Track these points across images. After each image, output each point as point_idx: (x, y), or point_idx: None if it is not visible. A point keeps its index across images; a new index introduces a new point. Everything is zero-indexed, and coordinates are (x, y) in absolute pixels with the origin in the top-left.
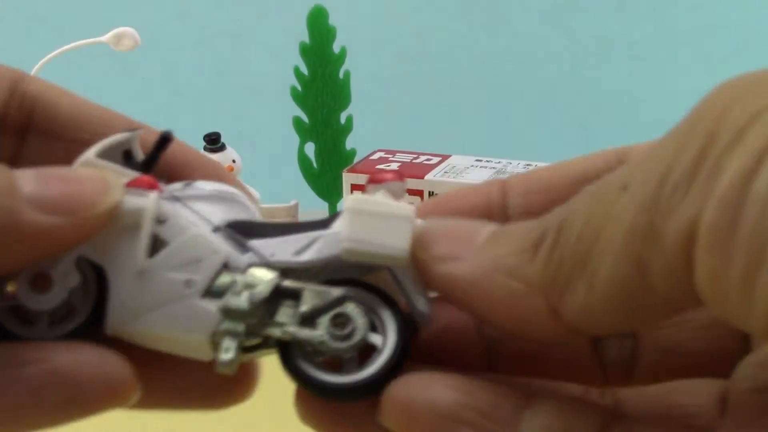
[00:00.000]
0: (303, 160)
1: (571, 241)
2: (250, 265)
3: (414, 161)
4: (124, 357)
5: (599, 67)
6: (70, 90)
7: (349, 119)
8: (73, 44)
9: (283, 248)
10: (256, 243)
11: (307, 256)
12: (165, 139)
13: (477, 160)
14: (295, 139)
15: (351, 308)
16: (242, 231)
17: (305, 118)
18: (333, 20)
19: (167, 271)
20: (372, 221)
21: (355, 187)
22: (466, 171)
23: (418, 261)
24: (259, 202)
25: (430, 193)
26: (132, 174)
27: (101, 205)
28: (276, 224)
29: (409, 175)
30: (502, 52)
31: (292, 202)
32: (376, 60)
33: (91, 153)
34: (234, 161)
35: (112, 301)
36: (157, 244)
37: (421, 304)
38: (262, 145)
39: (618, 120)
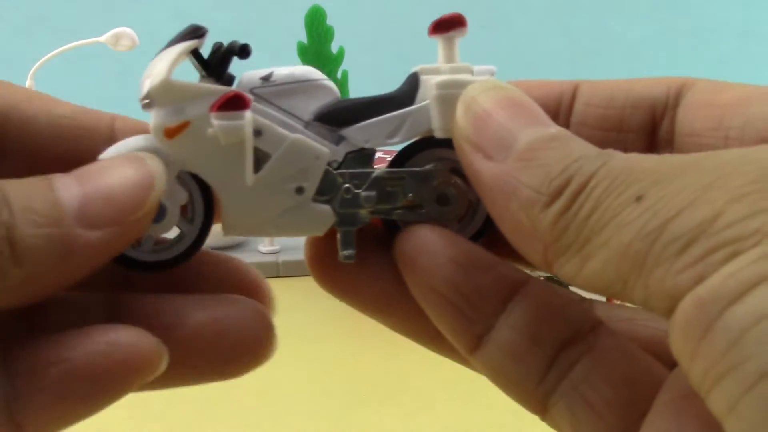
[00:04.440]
0: None
1: (581, 215)
2: (348, 153)
3: None
4: (143, 332)
5: (600, 67)
6: (70, 90)
7: None
8: (71, 44)
9: (375, 132)
10: (347, 131)
11: (398, 138)
12: (244, 50)
13: None
14: None
15: (449, 189)
16: (331, 120)
17: None
18: (331, 20)
19: (277, 183)
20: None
21: None
22: None
23: (457, 133)
24: None
25: None
26: (213, 89)
27: (146, 205)
28: (358, 103)
29: None
30: (502, 52)
31: None
32: (374, 59)
33: (163, 72)
34: None
35: (225, 213)
36: (258, 156)
37: None
38: None
39: None
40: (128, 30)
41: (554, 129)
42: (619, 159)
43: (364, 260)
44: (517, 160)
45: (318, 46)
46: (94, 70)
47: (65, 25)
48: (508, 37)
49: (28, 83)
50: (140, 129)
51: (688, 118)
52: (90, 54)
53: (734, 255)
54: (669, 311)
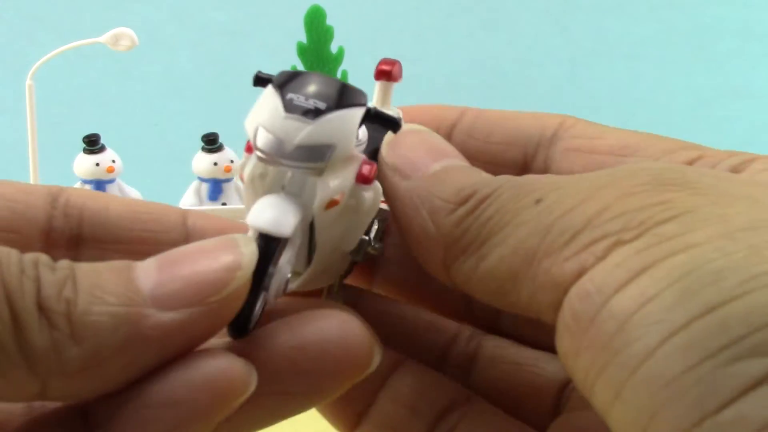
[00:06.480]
0: None
1: (483, 218)
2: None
3: None
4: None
5: (599, 67)
6: (70, 90)
7: None
8: (71, 44)
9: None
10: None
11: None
12: (395, 124)
13: None
14: None
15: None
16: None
17: None
18: (331, 20)
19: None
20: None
21: None
22: None
23: (382, 160)
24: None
25: None
26: (353, 156)
27: (232, 284)
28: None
29: None
30: (501, 52)
31: None
32: (374, 60)
33: (353, 139)
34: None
35: (311, 270)
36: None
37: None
38: None
39: (617, 120)
40: (128, 30)
41: (467, 163)
42: (524, 176)
43: None
44: (431, 177)
45: (318, 46)
46: (94, 70)
47: (65, 25)
48: (508, 37)
49: (28, 83)
50: (214, 222)
51: (566, 161)
52: (90, 54)
53: (617, 245)
54: (555, 308)
